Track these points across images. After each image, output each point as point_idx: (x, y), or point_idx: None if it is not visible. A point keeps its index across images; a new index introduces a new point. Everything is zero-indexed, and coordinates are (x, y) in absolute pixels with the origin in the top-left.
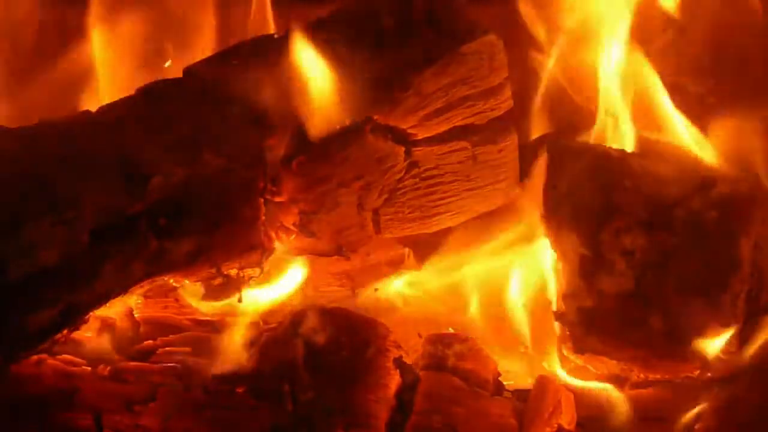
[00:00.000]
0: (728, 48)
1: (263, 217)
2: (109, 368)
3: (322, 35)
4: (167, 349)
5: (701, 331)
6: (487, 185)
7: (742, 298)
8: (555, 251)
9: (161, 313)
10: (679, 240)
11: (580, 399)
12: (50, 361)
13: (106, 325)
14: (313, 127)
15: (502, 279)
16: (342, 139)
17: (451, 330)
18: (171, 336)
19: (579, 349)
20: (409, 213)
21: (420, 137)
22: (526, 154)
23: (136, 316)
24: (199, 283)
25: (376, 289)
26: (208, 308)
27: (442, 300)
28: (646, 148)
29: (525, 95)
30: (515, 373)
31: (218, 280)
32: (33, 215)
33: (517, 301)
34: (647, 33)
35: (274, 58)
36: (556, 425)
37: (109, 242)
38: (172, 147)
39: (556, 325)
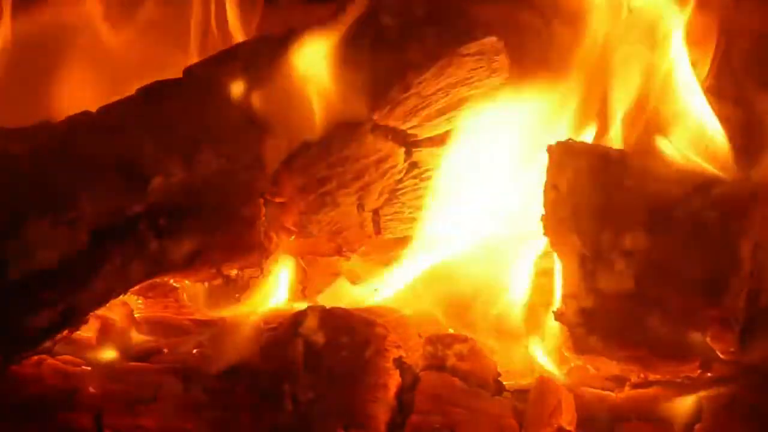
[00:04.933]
0: None
1: (263, 218)
2: (109, 368)
3: (322, 36)
4: (167, 349)
5: (701, 331)
6: None
7: (742, 298)
8: (555, 251)
9: (161, 313)
10: (679, 240)
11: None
12: (50, 361)
13: (106, 325)
14: (313, 127)
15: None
16: (342, 139)
17: (450, 330)
18: (171, 336)
19: (579, 349)
20: (409, 213)
21: (420, 138)
22: None
23: (136, 316)
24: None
25: (376, 289)
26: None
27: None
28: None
29: None
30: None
31: (218, 281)
32: (33, 215)
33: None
34: None
35: (274, 58)
36: (556, 425)
37: (109, 242)
38: (172, 147)
39: (557, 325)
